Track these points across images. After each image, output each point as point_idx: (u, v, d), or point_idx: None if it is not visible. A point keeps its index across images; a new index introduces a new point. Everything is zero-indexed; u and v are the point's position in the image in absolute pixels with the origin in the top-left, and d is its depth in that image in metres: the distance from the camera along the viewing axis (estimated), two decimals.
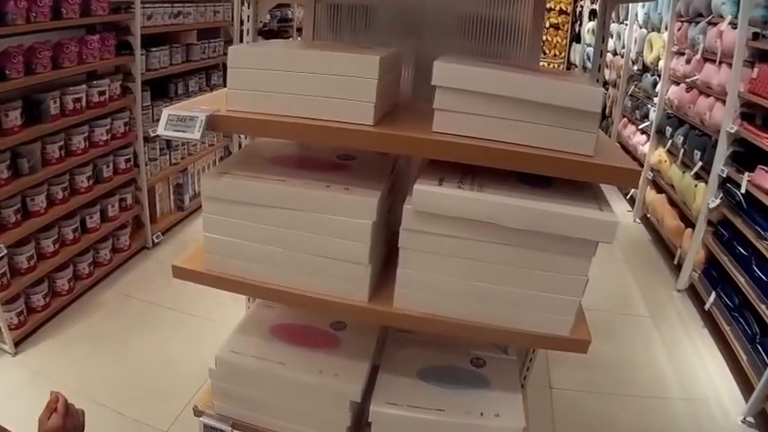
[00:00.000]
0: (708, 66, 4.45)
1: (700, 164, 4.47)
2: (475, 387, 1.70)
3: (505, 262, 1.35)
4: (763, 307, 3.30)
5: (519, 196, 1.30)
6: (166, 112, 1.36)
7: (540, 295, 1.38)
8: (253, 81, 1.37)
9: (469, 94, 1.27)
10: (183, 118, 1.34)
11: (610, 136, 7.34)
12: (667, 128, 5.21)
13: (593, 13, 9.04)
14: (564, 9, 10.59)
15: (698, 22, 4.65)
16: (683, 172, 4.81)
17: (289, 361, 1.69)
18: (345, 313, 1.65)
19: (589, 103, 1.25)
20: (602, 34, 1.71)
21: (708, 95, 4.46)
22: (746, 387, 3.32)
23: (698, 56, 4.61)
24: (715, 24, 4.32)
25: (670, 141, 5.14)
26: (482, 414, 1.59)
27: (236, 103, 1.39)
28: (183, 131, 1.33)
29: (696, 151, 4.54)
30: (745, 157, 3.88)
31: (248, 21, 1.99)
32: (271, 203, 1.42)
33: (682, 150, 4.85)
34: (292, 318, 1.90)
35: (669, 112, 5.35)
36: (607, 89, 7.91)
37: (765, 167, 3.54)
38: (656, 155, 5.51)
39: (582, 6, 9.83)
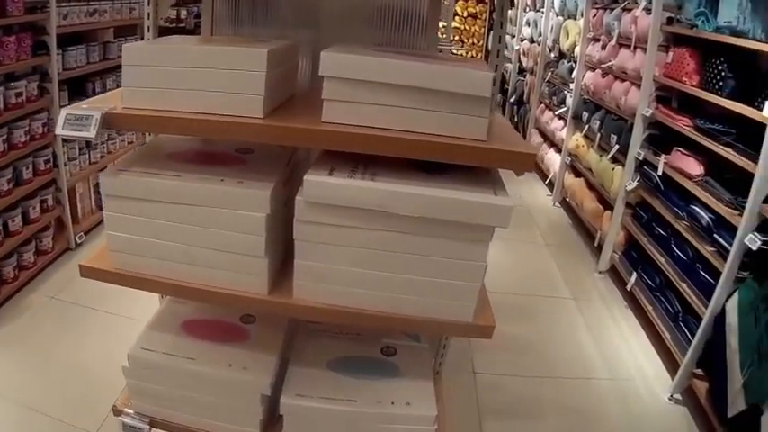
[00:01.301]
0: (623, 51, 4.55)
1: (616, 147, 4.57)
2: (386, 376, 1.72)
3: (401, 250, 1.37)
4: (684, 285, 3.40)
5: (411, 183, 1.32)
6: (64, 111, 1.35)
7: (439, 282, 1.40)
8: (146, 78, 1.36)
9: (357, 83, 1.28)
10: (79, 117, 1.34)
11: (527, 122, 7.47)
12: (584, 113, 5.31)
13: (511, 2, 9.14)
14: None
15: (613, 9, 4.75)
16: (601, 156, 4.92)
17: (199, 356, 1.68)
18: (247, 306, 1.67)
19: (478, 88, 1.26)
20: (500, 20, 1.72)
21: (623, 80, 4.56)
22: (672, 365, 3.41)
23: (613, 42, 4.71)
24: (630, 10, 4.43)
25: (587, 126, 5.24)
26: (393, 403, 1.62)
27: (131, 100, 1.38)
28: (80, 130, 1.32)
29: (612, 135, 4.64)
30: (662, 139, 3.98)
31: (148, 18, 1.96)
32: (167, 199, 1.42)
33: (598, 135, 4.96)
34: (203, 312, 1.89)
35: (585, 97, 5.45)
36: (525, 77, 8.03)
37: (681, 149, 3.64)
38: (573, 140, 5.62)
39: None
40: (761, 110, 2.81)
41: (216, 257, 1.46)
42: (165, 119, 1.35)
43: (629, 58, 4.41)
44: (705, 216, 3.27)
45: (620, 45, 4.63)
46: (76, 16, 4.24)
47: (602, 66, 4.92)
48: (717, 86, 3.27)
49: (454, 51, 3.92)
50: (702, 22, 3.38)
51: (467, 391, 3.18)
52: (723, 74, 3.22)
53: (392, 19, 1.94)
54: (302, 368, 1.70)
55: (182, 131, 1.43)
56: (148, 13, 1.94)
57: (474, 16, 10.79)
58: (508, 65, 8.92)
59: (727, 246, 3.01)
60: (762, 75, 2.95)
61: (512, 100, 8.54)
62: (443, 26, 6.53)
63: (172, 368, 1.66)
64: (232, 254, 1.44)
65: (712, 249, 3.17)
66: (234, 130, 1.34)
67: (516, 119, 8.31)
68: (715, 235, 3.16)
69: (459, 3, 10.64)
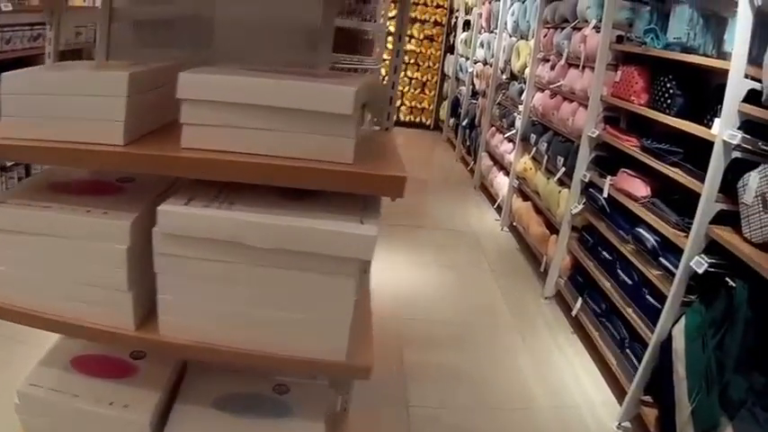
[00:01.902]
0: (572, 71, 4.47)
1: (563, 170, 4.45)
2: (275, 416, 1.60)
3: (263, 284, 1.30)
4: (630, 311, 3.26)
5: (269, 212, 1.25)
6: None
7: (306, 319, 1.32)
8: (20, 107, 1.30)
9: (214, 104, 1.23)
10: None
11: (478, 145, 7.37)
12: (532, 135, 5.21)
13: (466, 24, 9.10)
14: (439, 21, 10.69)
15: (563, 29, 4.67)
16: (548, 179, 4.81)
17: (83, 393, 1.58)
18: (115, 343, 1.54)
19: (338, 105, 1.19)
20: (399, 33, 1.69)
21: (571, 101, 4.47)
22: (620, 392, 3.26)
23: (562, 61, 4.62)
24: (580, 29, 4.34)
25: (534, 148, 5.13)
26: None
27: (8, 130, 1.31)
28: None
29: (559, 157, 4.53)
30: (609, 161, 3.86)
31: (49, 44, 1.90)
32: (34, 231, 1.35)
33: (546, 157, 4.85)
34: (92, 348, 1.76)
35: (534, 119, 5.36)
36: (477, 99, 7.96)
37: (628, 171, 3.53)
38: (521, 162, 5.51)
39: (457, 18, 9.90)
40: (710, 127, 2.71)
41: (83, 291, 1.37)
42: (26, 148, 1.29)
43: (577, 78, 4.31)
44: (651, 239, 3.15)
45: (570, 65, 4.55)
46: (19, 41, 4.23)
47: (551, 86, 4.83)
48: (665, 105, 3.17)
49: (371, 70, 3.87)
50: (651, 39, 3.28)
51: (399, 426, 2.97)
52: (671, 91, 3.12)
53: (288, 38, 1.94)
54: (187, 406, 1.57)
55: (42, 161, 1.42)
56: (50, 39, 1.90)
57: (430, 39, 10.78)
58: (462, 88, 8.86)
59: (673, 269, 2.88)
60: (712, 91, 2.84)
61: (464, 123, 8.45)
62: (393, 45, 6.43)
63: (56, 405, 1.56)
64: (97, 288, 1.36)
65: (658, 273, 3.04)
66: (92, 159, 1.29)
67: (468, 142, 8.23)
68: (661, 258, 3.03)
69: (416, 25, 10.60)
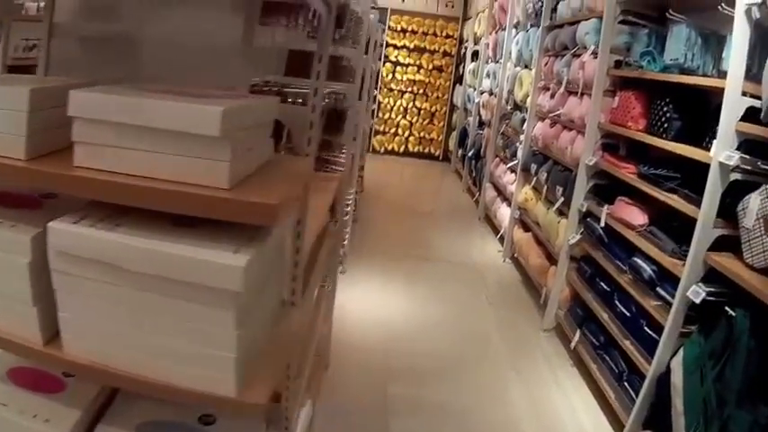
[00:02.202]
0: (571, 99, 4.38)
1: (561, 199, 4.35)
2: None
3: (147, 310, 1.25)
4: (627, 343, 3.13)
5: (149, 237, 1.21)
6: None
7: (190, 349, 1.26)
8: None
9: (98, 123, 1.21)
10: None
11: (482, 176, 7.28)
12: (532, 165, 5.12)
13: (475, 55, 9.06)
14: (448, 51, 10.68)
15: (563, 56, 4.59)
16: (548, 209, 4.70)
17: (12, 403, 1.53)
18: (24, 356, 1.49)
19: (204, 126, 1.16)
20: (321, 53, 1.65)
21: (570, 129, 4.38)
22: (618, 426, 3.13)
23: (561, 89, 4.54)
24: (579, 56, 4.26)
25: (535, 178, 5.03)
26: None
27: None
28: None
29: (558, 187, 4.42)
30: (608, 189, 3.75)
31: None
32: None
33: (545, 187, 4.75)
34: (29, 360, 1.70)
35: (534, 149, 5.27)
36: (483, 129, 7.89)
37: (625, 198, 3.42)
38: (522, 193, 5.41)
39: (466, 48, 9.89)
40: (709, 150, 2.60)
41: None
42: None
43: (576, 106, 4.23)
44: (647, 268, 3.03)
45: (569, 93, 4.47)
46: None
47: (551, 115, 4.75)
48: (662, 129, 3.07)
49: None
50: (648, 62, 3.19)
51: None
52: (668, 115, 3.02)
53: (213, 58, 1.91)
54: (110, 428, 1.50)
55: None
56: None
57: (440, 69, 10.77)
58: (470, 118, 8.80)
59: (670, 299, 2.76)
60: (711, 112, 2.74)
61: (470, 154, 8.38)
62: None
63: None
64: (8, 299, 1.33)
65: (656, 304, 2.91)
66: None
67: (474, 173, 8.15)
68: (658, 288, 2.91)
69: (425, 56, 10.61)
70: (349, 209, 4.50)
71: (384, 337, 4.03)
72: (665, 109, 3.05)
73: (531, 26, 5.80)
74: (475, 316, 4.65)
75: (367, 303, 4.60)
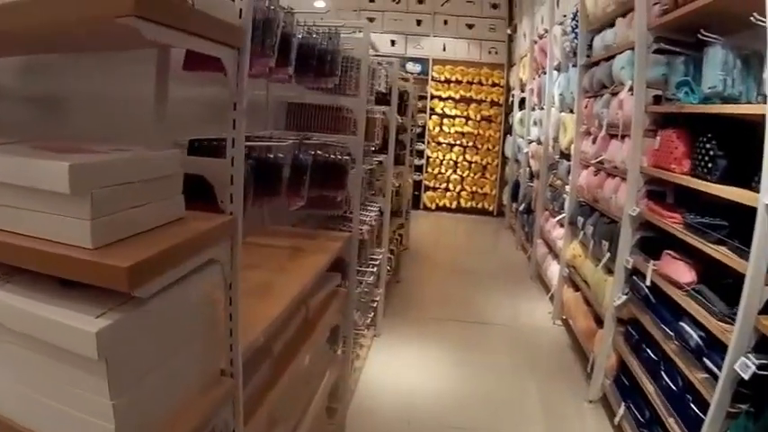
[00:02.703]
0: (613, 143, 4.03)
1: (608, 255, 3.95)
2: None
3: (27, 368, 1.20)
4: (671, 421, 2.71)
5: (30, 295, 1.17)
6: None
7: (74, 415, 1.17)
8: None
9: None
10: None
11: (533, 232, 6.90)
12: (579, 218, 4.73)
13: (522, 103, 8.75)
14: (496, 100, 10.43)
15: (602, 96, 4.26)
16: (596, 266, 4.30)
17: None
18: None
19: (50, 182, 1.11)
20: (234, 101, 1.52)
21: (614, 176, 4.01)
22: None
23: (602, 133, 4.18)
24: (617, 94, 3.92)
25: (582, 233, 4.64)
26: None
27: None
28: None
29: (604, 241, 4.03)
30: (658, 243, 3.34)
31: None
32: None
33: (592, 241, 4.36)
34: None
35: (581, 200, 4.90)
36: (533, 181, 7.53)
37: (672, 252, 3.03)
38: (570, 249, 5.03)
39: (513, 96, 9.60)
40: (758, 191, 2.21)
41: None
42: None
43: (618, 150, 3.87)
44: (694, 335, 2.63)
45: (611, 136, 4.11)
46: None
47: (593, 162, 4.39)
48: (706, 170, 2.70)
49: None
50: (686, 93, 2.84)
51: None
52: (712, 153, 2.65)
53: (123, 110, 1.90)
54: None
55: None
56: None
57: (488, 119, 10.51)
58: (521, 170, 8.46)
59: (718, 372, 2.34)
60: (760, 145, 2.34)
61: (521, 208, 8.01)
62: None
63: None
64: None
65: (703, 377, 2.49)
66: None
67: (526, 228, 7.76)
68: (705, 358, 2.50)
69: (473, 106, 10.39)
70: (377, 269, 4.21)
71: (411, 407, 3.78)
72: (707, 146, 2.69)
73: (572, 66, 5.49)
74: (516, 385, 4.25)
75: (397, 369, 4.36)
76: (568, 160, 5.57)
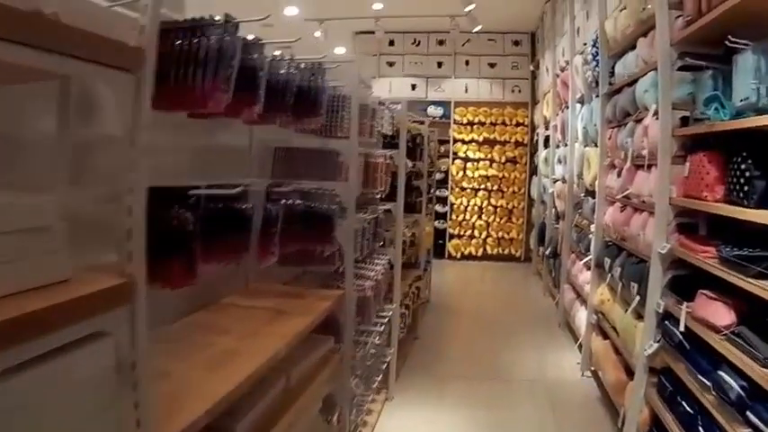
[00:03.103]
0: (639, 174, 3.74)
1: (637, 298, 3.63)
2: None
3: None
4: None
5: None
6: None
7: None
8: None
9: None
10: None
11: (560, 277, 6.57)
12: (606, 259, 4.41)
13: (547, 141, 8.48)
14: (520, 140, 10.19)
15: (626, 125, 3.99)
16: (625, 310, 3.98)
17: None
18: None
19: None
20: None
21: (642, 211, 3.71)
22: None
23: (628, 164, 3.90)
24: (641, 121, 3.64)
25: (609, 275, 4.33)
26: None
27: None
28: None
29: (633, 283, 3.71)
30: (692, 281, 3.02)
31: None
32: None
33: (620, 284, 4.04)
34: None
35: (607, 239, 4.58)
36: (559, 223, 7.23)
37: (707, 292, 2.72)
38: (598, 293, 4.70)
39: (537, 135, 9.34)
40: None
41: None
42: None
43: (644, 182, 3.58)
44: (735, 385, 2.30)
45: (636, 167, 3.83)
46: None
47: (619, 196, 4.09)
48: (741, 194, 2.41)
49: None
50: (715, 110, 2.56)
51: None
52: (748, 174, 2.37)
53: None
54: None
55: None
56: None
57: (513, 161, 10.26)
58: (547, 212, 8.15)
59: (764, 427, 2.02)
60: None
61: (547, 252, 7.68)
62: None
63: None
64: None
65: None
66: None
67: (553, 273, 7.42)
68: (748, 412, 2.18)
69: (497, 147, 10.17)
70: (385, 327, 3.91)
71: None
72: (742, 167, 2.40)
73: (595, 97, 5.23)
74: None
75: None
76: (594, 197, 5.27)
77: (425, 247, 6.56)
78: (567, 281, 6.29)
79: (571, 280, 6.12)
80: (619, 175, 4.15)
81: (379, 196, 3.89)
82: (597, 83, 4.98)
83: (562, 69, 7.00)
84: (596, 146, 5.26)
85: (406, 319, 5.16)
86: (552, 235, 7.61)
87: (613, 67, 4.51)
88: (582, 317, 5.46)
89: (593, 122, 5.17)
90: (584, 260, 5.34)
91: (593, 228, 4.95)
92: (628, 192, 3.90)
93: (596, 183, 4.93)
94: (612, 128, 4.42)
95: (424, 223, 6.12)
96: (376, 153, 3.68)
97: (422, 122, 6.45)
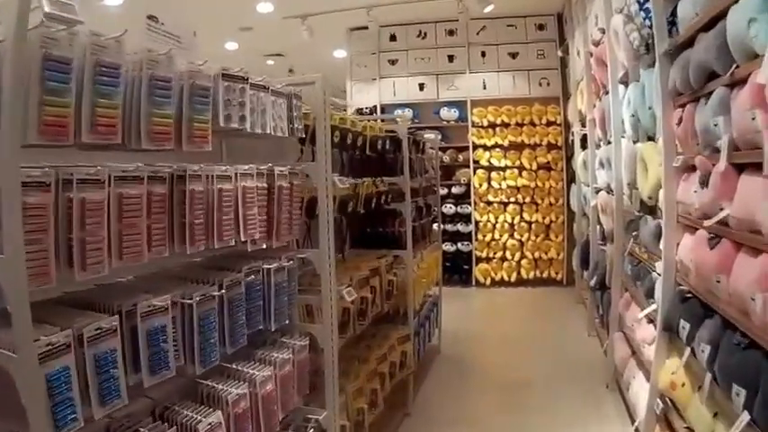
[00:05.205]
0: (744, 179, 1.99)
1: (746, 417, 1.89)
2: None
3: None
4: None
5: None
6: None
7: None
8: None
9: None
10: None
11: (608, 316, 4.75)
12: (681, 320, 2.63)
13: (585, 141, 6.65)
14: (553, 142, 8.44)
15: (708, 96, 2.21)
16: (714, 415, 2.23)
17: None
18: None
19: None
20: None
21: (759, 252, 1.93)
22: None
23: (721, 163, 2.12)
24: (744, 81, 1.87)
25: (688, 349, 2.55)
26: None
27: None
28: None
29: (737, 387, 1.95)
30: None
31: None
32: None
33: (708, 375, 2.27)
34: None
35: (683, 287, 2.78)
36: (606, 244, 5.41)
37: None
38: (666, 369, 2.94)
39: (573, 134, 7.53)
40: None
41: None
42: None
43: (756, 194, 1.82)
44: None
45: (738, 168, 2.06)
46: None
47: (708, 223, 2.32)
48: None
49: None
50: None
51: None
52: None
53: None
54: None
55: None
56: None
57: (547, 167, 8.47)
58: (590, 229, 6.33)
59: None
60: None
61: (592, 282, 5.81)
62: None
63: None
64: None
65: None
66: None
67: (601, 309, 5.54)
68: None
69: (526, 152, 8.42)
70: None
71: None
72: None
73: (647, 67, 3.43)
74: None
75: None
76: (656, 216, 3.46)
77: (423, 290, 4.81)
78: (619, 328, 4.47)
79: (624, 328, 4.29)
80: (704, 182, 2.37)
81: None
82: (648, 45, 3.23)
83: (596, 44, 5.20)
84: (653, 140, 3.46)
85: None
86: (598, 259, 5.79)
87: (674, 12, 2.76)
88: (639, 388, 3.66)
89: (647, 105, 3.38)
90: (646, 311, 3.50)
91: (659, 266, 3.15)
92: (724, 213, 2.13)
93: (660, 195, 3.14)
94: (683, 105, 2.64)
95: (409, 259, 4.30)
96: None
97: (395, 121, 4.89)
